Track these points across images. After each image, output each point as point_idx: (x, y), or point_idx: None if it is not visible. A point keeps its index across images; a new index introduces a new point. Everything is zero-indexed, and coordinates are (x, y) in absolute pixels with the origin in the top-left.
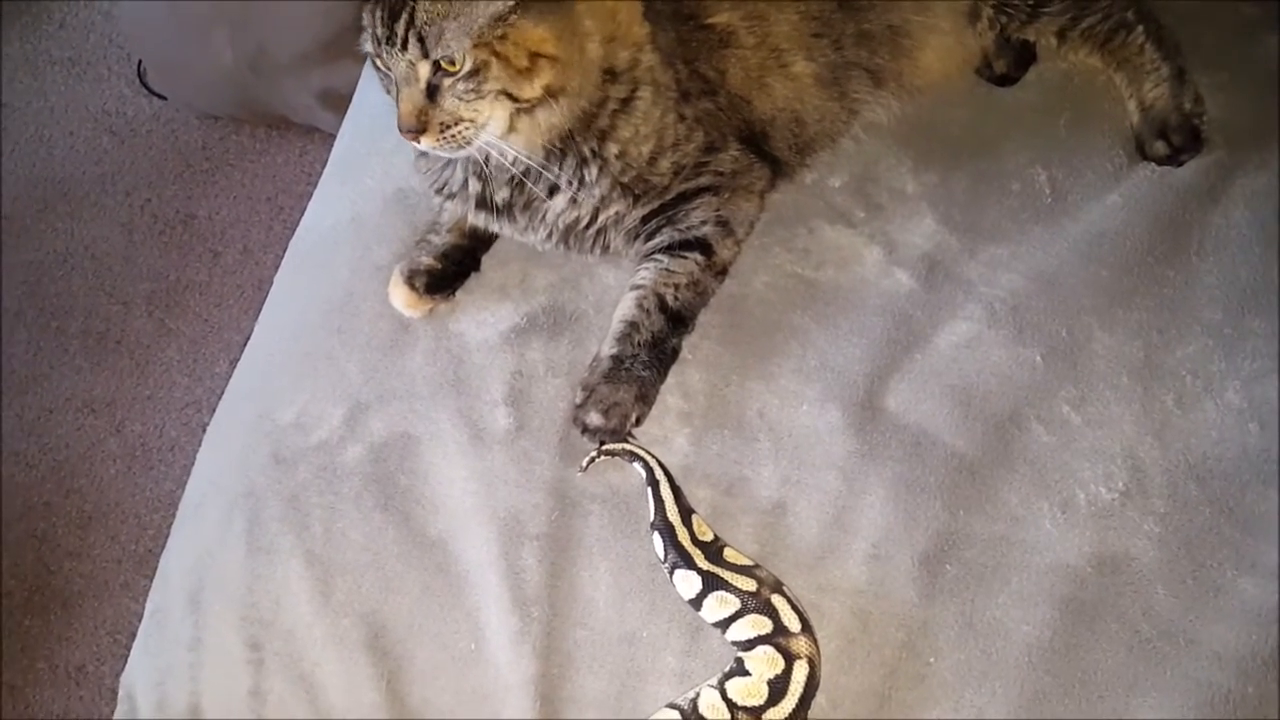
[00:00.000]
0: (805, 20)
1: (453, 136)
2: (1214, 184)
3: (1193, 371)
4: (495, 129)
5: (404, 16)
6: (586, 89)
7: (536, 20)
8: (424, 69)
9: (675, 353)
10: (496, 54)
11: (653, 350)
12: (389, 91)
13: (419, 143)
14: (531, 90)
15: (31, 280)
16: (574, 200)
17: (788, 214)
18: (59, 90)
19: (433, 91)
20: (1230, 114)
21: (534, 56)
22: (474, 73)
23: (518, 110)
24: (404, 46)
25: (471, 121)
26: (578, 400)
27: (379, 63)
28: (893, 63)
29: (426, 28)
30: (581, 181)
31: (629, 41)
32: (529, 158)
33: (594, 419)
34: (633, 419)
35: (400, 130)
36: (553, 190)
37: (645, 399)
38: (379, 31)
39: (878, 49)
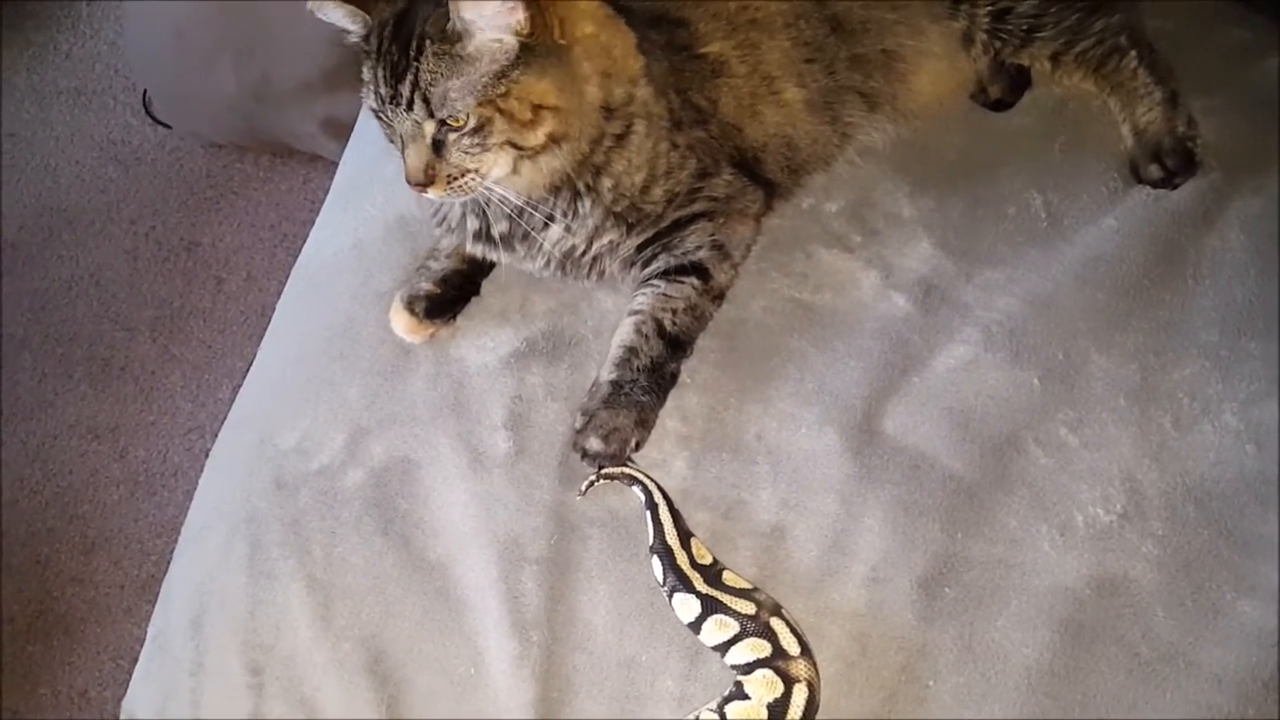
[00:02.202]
0: (797, 46)
1: (460, 187)
2: (1209, 207)
3: (1190, 394)
4: (498, 174)
5: (409, 78)
6: (587, 130)
7: (539, 75)
8: (429, 127)
9: (674, 377)
10: (500, 110)
11: (651, 375)
12: (392, 141)
13: (426, 193)
14: (535, 139)
15: (37, 307)
16: (568, 230)
17: (785, 239)
18: (65, 120)
19: (438, 146)
20: (1224, 137)
21: (537, 109)
22: (479, 128)
23: (520, 156)
24: (409, 107)
25: (476, 172)
26: (577, 425)
27: (382, 118)
28: (887, 87)
29: (431, 89)
30: (575, 213)
31: (624, 77)
32: (529, 198)
33: (594, 444)
34: (632, 444)
35: (408, 183)
36: (548, 221)
37: (645, 424)
38: (383, 91)
39: (872, 73)
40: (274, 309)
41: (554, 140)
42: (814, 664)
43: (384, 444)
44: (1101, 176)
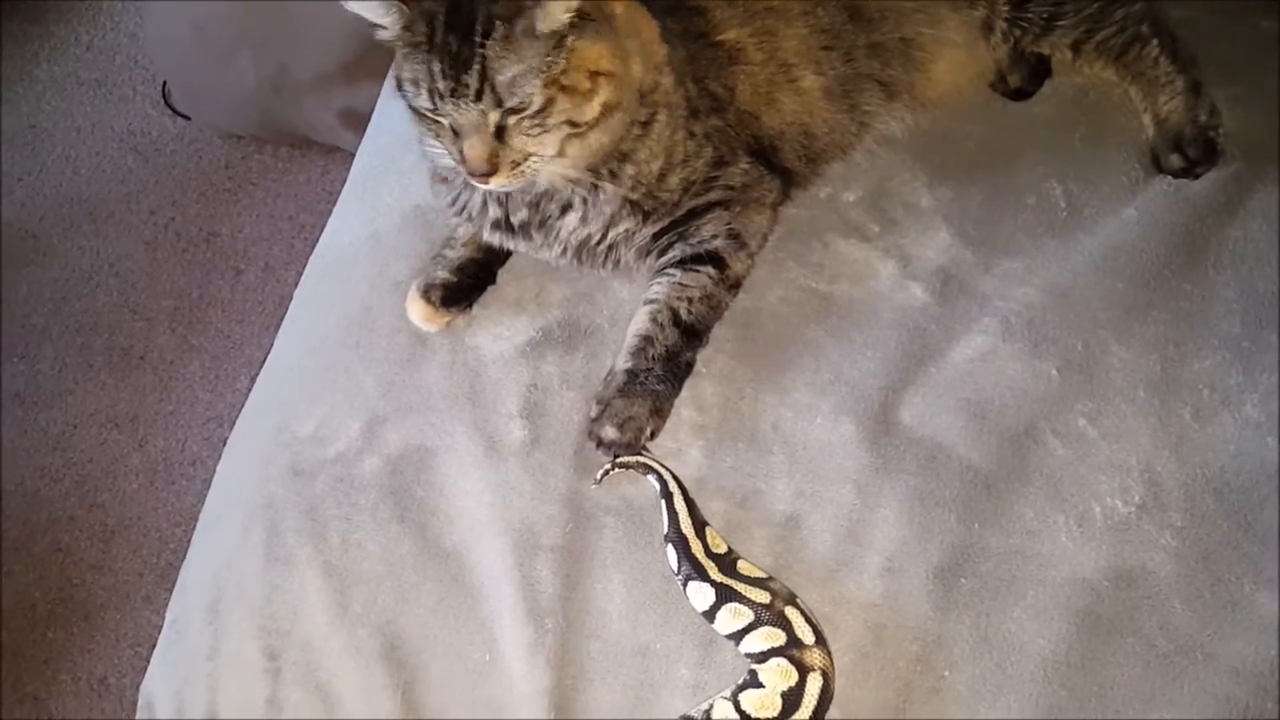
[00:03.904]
0: (815, 34)
1: (522, 172)
2: (1230, 197)
3: (1210, 385)
4: (549, 155)
5: (475, 68)
6: (632, 106)
7: (594, 40)
8: (495, 116)
9: (689, 366)
10: (563, 87)
11: (667, 364)
12: (437, 137)
13: (488, 183)
14: (592, 111)
15: (58, 297)
16: (584, 219)
17: (802, 228)
18: (85, 111)
19: (499, 132)
20: (1247, 127)
21: (594, 75)
22: (542, 108)
23: (570, 135)
24: (477, 98)
25: (538, 154)
26: (593, 414)
27: (434, 115)
28: (905, 75)
29: (498, 76)
30: (595, 201)
31: (651, 63)
32: (568, 178)
33: (609, 433)
34: (647, 433)
35: (470, 175)
36: (565, 208)
37: (660, 413)
38: (441, 85)
39: (890, 61)
40: (292, 299)
41: (607, 110)
42: (829, 653)
43: (400, 432)
44: (1122, 166)
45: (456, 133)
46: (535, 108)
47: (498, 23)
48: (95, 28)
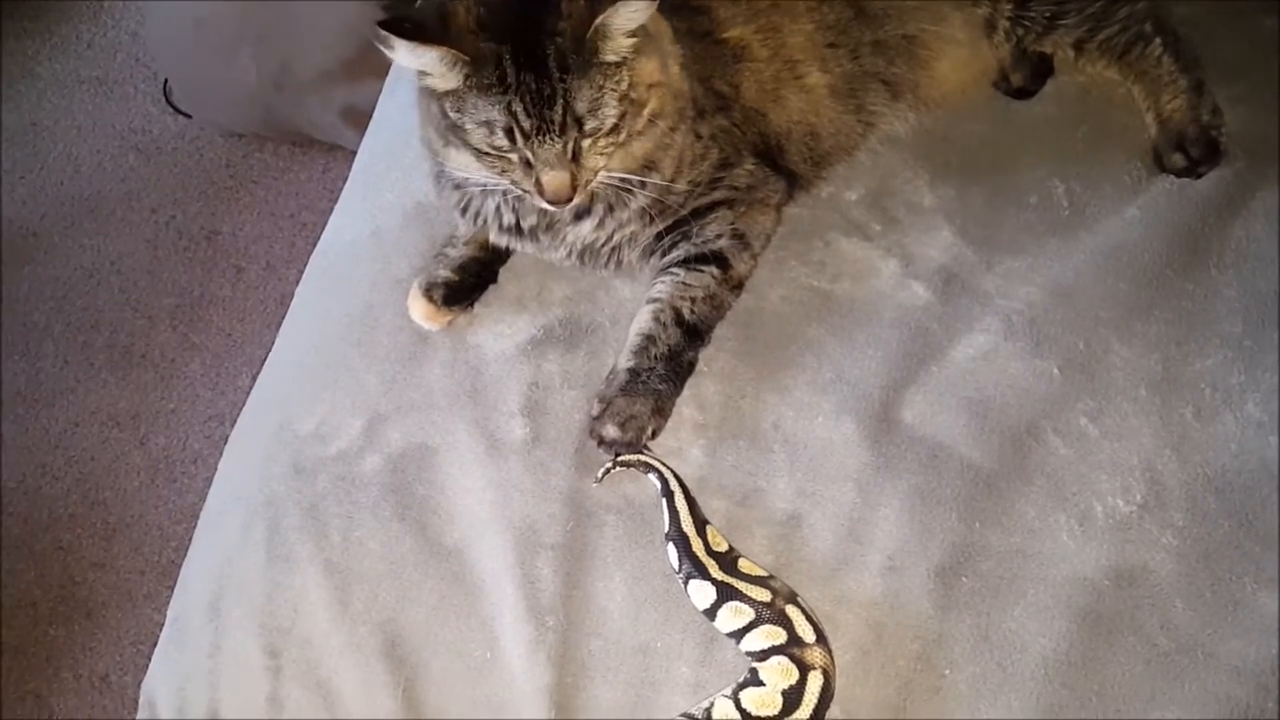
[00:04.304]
0: (820, 30)
1: (590, 186)
2: (1233, 196)
3: (1212, 384)
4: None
5: (559, 103)
6: (671, 112)
7: (648, 55)
8: (575, 143)
9: (691, 366)
10: (632, 101)
11: (669, 363)
12: (502, 173)
13: (564, 207)
14: (641, 122)
15: (59, 295)
16: (600, 224)
17: (804, 227)
18: (86, 109)
19: (574, 156)
20: (1249, 126)
21: (649, 88)
22: (615, 126)
23: (619, 145)
24: (562, 131)
25: (604, 167)
26: (594, 412)
27: (507, 152)
28: (909, 74)
29: (579, 105)
30: (617, 208)
31: (677, 66)
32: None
33: (611, 431)
34: (649, 432)
35: (550, 205)
36: (580, 215)
37: (661, 412)
38: (525, 124)
39: (894, 59)
40: (293, 298)
41: (653, 119)
42: (829, 652)
43: (401, 430)
44: (1124, 165)
45: (529, 164)
46: (610, 126)
47: (570, 55)
48: (96, 25)
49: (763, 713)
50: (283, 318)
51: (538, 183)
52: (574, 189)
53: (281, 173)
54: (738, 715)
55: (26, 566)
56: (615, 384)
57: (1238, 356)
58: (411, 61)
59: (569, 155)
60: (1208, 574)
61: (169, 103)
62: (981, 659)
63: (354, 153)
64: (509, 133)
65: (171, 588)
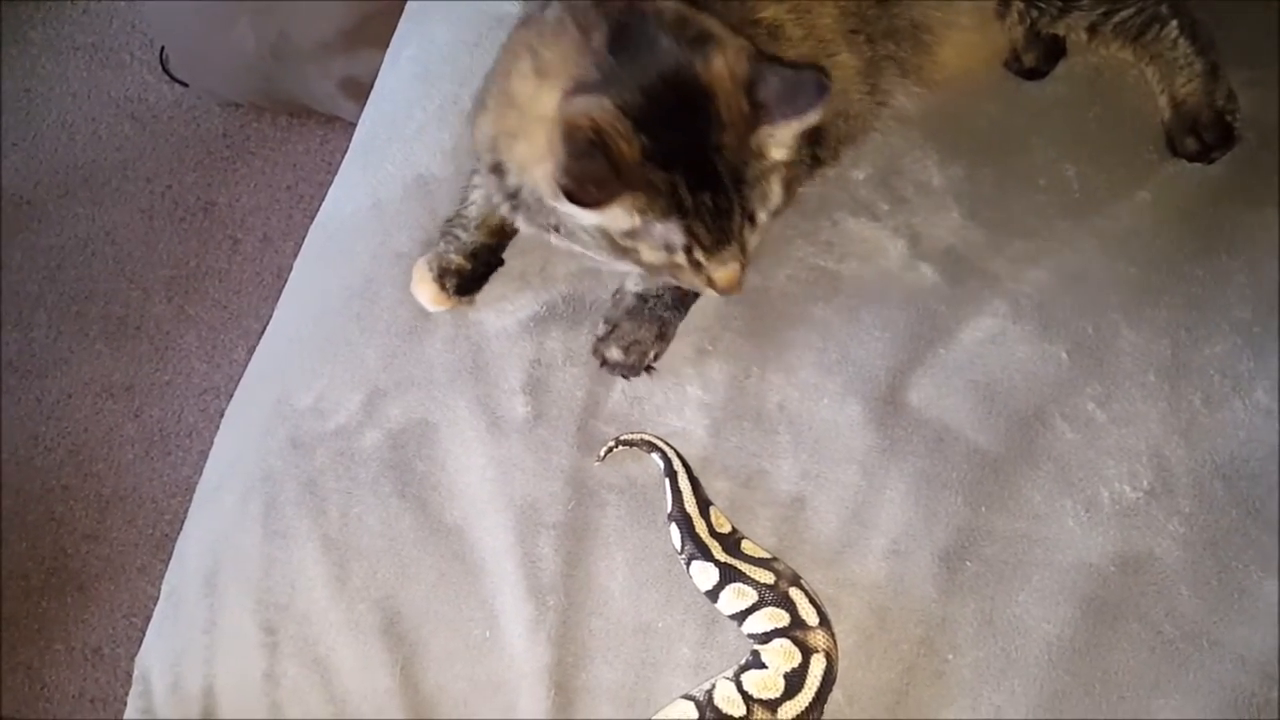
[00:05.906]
0: (844, 16)
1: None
2: (1246, 182)
3: (1221, 371)
4: None
5: (735, 216)
6: None
7: None
8: (750, 238)
9: (697, 294)
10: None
11: (676, 290)
12: (674, 276)
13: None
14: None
15: (53, 265)
16: None
17: (811, 206)
18: (82, 77)
19: (743, 246)
20: (1264, 111)
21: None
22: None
23: None
24: (740, 234)
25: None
26: (599, 333)
27: (676, 266)
28: (914, 58)
29: (754, 206)
30: None
31: None
32: None
33: (614, 354)
34: (651, 356)
35: (720, 293)
36: None
37: (665, 337)
38: (706, 241)
39: (901, 43)
40: (290, 270)
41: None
42: (832, 635)
43: (401, 406)
44: (1136, 148)
45: (699, 265)
46: (775, 209)
47: (740, 165)
48: None
49: (765, 695)
50: (279, 290)
51: (709, 280)
52: (744, 274)
53: (279, 144)
54: (739, 697)
55: (19, 538)
56: (622, 306)
57: (1247, 343)
58: (592, 220)
59: (740, 250)
60: (1214, 561)
61: (165, 71)
62: (985, 644)
63: (352, 124)
64: (688, 250)
65: (165, 560)
